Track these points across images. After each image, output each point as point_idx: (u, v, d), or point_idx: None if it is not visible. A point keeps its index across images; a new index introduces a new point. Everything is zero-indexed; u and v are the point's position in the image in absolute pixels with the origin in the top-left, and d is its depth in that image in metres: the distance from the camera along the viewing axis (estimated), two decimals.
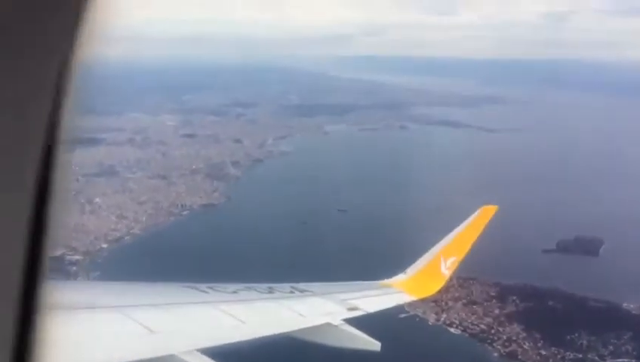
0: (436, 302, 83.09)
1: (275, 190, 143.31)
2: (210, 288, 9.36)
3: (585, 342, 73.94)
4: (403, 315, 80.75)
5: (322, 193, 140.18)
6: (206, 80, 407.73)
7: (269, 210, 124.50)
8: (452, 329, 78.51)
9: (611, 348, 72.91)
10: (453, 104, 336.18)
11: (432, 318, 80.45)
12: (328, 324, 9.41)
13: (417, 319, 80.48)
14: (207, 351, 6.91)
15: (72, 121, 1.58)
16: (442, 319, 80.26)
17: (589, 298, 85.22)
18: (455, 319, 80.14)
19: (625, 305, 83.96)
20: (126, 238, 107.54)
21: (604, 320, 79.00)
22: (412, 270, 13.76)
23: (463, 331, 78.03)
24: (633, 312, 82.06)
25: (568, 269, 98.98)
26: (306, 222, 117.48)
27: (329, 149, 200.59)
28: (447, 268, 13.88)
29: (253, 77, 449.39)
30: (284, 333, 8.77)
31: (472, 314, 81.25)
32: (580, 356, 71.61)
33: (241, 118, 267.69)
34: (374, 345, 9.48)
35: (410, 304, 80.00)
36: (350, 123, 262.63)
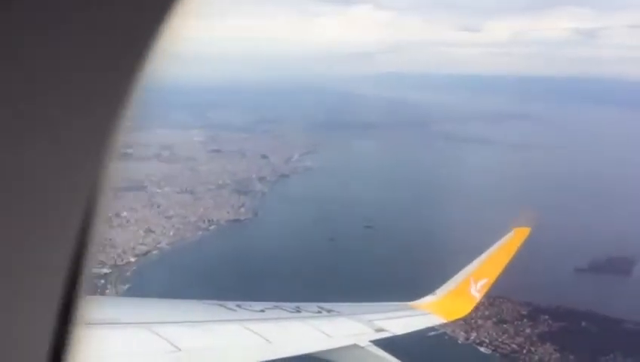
0: (465, 320, 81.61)
1: (301, 205, 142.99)
2: (238, 306, 9.31)
3: None
4: (432, 333, 79.41)
5: (349, 209, 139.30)
6: (234, 97, 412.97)
7: (295, 226, 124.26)
8: (482, 349, 76.61)
9: None
10: (479, 120, 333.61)
11: (461, 337, 78.67)
12: (355, 345, 9.20)
13: (446, 337, 78.80)
14: None
15: (125, 135, 1.65)
16: (472, 338, 78.45)
17: (623, 319, 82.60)
18: (485, 338, 78.22)
19: None
20: (154, 252, 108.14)
21: (639, 342, 76.42)
22: (442, 291, 13.45)
23: (493, 350, 76.04)
24: None
25: (601, 289, 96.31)
26: (333, 238, 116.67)
27: (355, 166, 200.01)
28: (477, 290, 13.51)
29: (281, 95, 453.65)
30: (310, 354, 8.55)
31: (503, 334, 79.26)
32: None
33: (266, 134, 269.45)
34: None
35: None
36: (376, 139, 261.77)
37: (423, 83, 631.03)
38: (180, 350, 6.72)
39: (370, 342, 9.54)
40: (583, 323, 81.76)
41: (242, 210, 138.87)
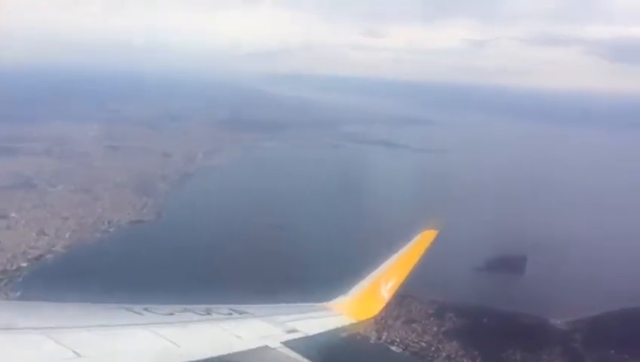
0: (376, 320, 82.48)
1: (206, 206, 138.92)
2: (145, 309, 9.08)
3: (519, 358, 75.44)
4: (344, 334, 79.61)
5: (259, 210, 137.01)
6: (133, 89, 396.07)
7: (201, 229, 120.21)
8: (393, 348, 77.91)
9: None
10: (381, 122, 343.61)
11: (373, 337, 79.57)
12: (266, 347, 9.18)
13: (359, 337, 79.26)
14: None
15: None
16: (383, 337, 79.54)
17: (519, 314, 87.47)
18: (396, 337, 79.62)
19: (551, 320, 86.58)
20: (48, 256, 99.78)
21: (535, 336, 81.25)
22: (352, 292, 13.73)
23: (404, 349, 77.59)
24: (558, 328, 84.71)
25: (498, 286, 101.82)
26: (244, 240, 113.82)
27: (262, 166, 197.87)
28: (387, 291, 13.85)
29: (184, 90, 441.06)
30: (220, 356, 8.37)
31: (412, 332, 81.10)
32: None
33: (169, 130, 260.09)
34: None
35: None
36: (282, 139, 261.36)
37: (327, 84, 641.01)
38: (80, 356, 6.36)
39: (282, 343, 9.49)
40: (485, 320, 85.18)
41: (144, 210, 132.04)
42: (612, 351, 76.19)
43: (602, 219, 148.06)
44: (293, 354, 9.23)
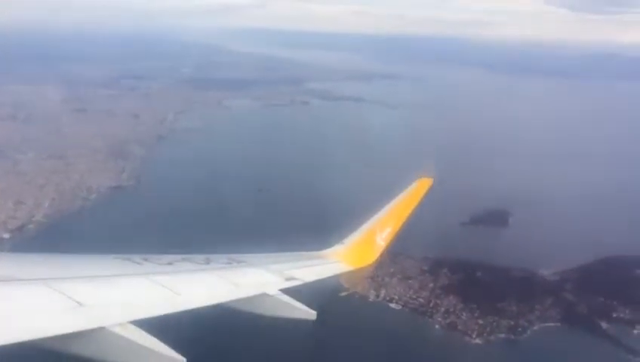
0: (373, 278, 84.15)
1: (185, 170, 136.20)
2: (145, 259, 9.15)
3: (515, 309, 78.13)
4: (344, 293, 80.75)
5: (237, 172, 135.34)
6: (91, 49, 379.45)
7: (183, 193, 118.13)
8: (392, 305, 79.38)
9: (537, 313, 77.69)
10: (348, 78, 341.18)
11: (372, 295, 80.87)
12: (265, 294, 9.21)
13: (357, 296, 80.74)
14: (141, 324, 6.59)
15: None
16: (382, 295, 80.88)
17: (510, 267, 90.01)
18: (394, 294, 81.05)
19: (540, 271, 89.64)
20: (29, 227, 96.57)
21: (526, 287, 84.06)
22: (349, 240, 13.78)
23: (403, 306, 79.15)
24: (548, 279, 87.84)
25: (485, 240, 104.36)
26: (225, 203, 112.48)
27: (235, 126, 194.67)
28: (383, 239, 13.99)
29: (144, 48, 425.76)
30: (219, 304, 8.47)
31: (409, 289, 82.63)
32: (513, 323, 75.54)
33: (134, 91, 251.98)
34: (311, 314, 9.28)
35: (349, 281, 79.40)
36: (251, 98, 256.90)
37: (289, 40, 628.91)
38: (81, 305, 6.47)
39: (280, 290, 9.53)
40: (478, 274, 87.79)
41: (124, 175, 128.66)
42: (601, 299, 79.52)
43: (578, 170, 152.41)
44: (291, 301, 9.36)
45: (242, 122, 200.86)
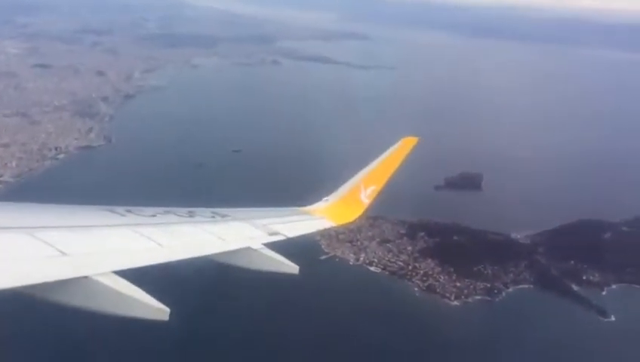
0: (352, 242, 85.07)
1: (157, 130, 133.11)
2: (128, 211, 9.11)
3: (490, 272, 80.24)
4: (324, 257, 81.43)
5: (211, 133, 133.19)
6: (38, 1, 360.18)
7: (157, 154, 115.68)
8: (372, 268, 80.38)
9: (512, 276, 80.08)
10: (317, 38, 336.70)
11: (351, 259, 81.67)
12: (249, 248, 9.31)
13: (337, 260, 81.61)
14: (124, 274, 6.59)
15: None
16: (361, 259, 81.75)
17: (485, 231, 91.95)
18: (374, 258, 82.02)
19: (513, 235, 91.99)
20: None
21: (501, 250, 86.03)
22: (333, 197, 14.01)
23: (382, 269, 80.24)
24: (521, 241, 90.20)
25: (460, 203, 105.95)
26: (202, 164, 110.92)
27: (205, 84, 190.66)
28: (367, 196, 14.15)
29: (103, 1, 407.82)
30: (203, 257, 8.49)
31: (388, 253, 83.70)
32: (489, 285, 77.67)
33: (97, 46, 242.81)
34: (294, 268, 9.39)
35: (329, 245, 79.63)
36: (220, 56, 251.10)
37: None
38: (65, 254, 6.45)
39: (264, 244, 9.64)
40: (455, 237, 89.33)
41: (92, 135, 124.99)
42: (572, 262, 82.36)
43: (548, 134, 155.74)
44: (275, 255, 9.41)
45: (213, 82, 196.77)
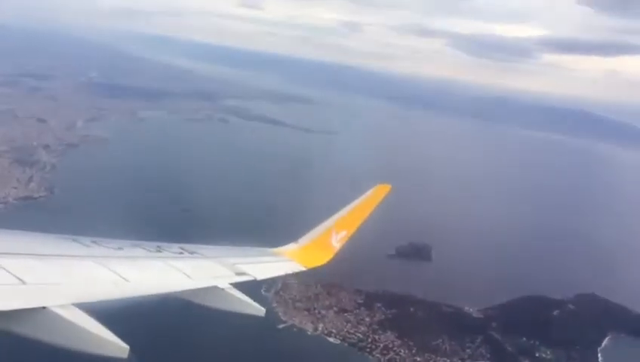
0: (309, 311, 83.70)
1: (103, 184, 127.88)
2: (94, 242, 8.98)
3: (448, 347, 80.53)
4: (281, 326, 79.28)
5: (159, 190, 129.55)
6: None
7: (104, 210, 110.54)
8: (331, 339, 78.83)
9: (469, 351, 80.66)
10: (264, 99, 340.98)
11: (310, 328, 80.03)
12: (215, 287, 9.22)
13: (295, 329, 79.95)
14: (85, 307, 6.42)
15: None
16: (320, 329, 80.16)
17: (439, 303, 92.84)
18: (332, 328, 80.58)
19: (466, 308, 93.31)
20: None
21: (456, 324, 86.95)
22: (303, 240, 13.96)
23: (342, 340, 78.79)
24: (474, 316, 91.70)
25: (412, 274, 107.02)
26: (150, 222, 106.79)
27: (153, 138, 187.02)
28: (338, 240, 14.18)
29: (43, 45, 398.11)
30: (169, 294, 8.45)
31: (347, 323, 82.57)
32: (448, 361, 77.76)
33: (36, 92, 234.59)
34: (260, 310, 9.37)
35: (286, 313, 78.01)
36: (167, 110, 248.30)
37: (200, 52, 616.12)
38: (24, 283, 6.32)
39: (231, 284, 9.54)
40: (411, 309, 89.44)
41: (32, 185, 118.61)
42: (524, 338, 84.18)
43: (484, 207, 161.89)
44: (242, 296, 9.35)
45: (161, 136, 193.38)
